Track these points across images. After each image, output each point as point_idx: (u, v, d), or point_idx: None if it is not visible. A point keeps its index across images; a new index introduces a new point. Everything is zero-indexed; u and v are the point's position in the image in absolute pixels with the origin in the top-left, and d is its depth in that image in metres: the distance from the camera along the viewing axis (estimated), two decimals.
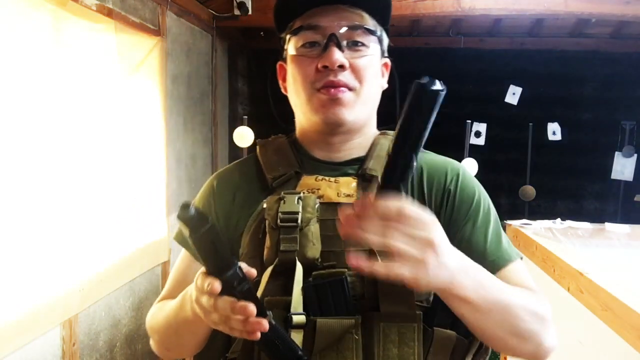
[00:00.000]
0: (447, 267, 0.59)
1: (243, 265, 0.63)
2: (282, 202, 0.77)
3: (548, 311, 0.72)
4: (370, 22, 0.79)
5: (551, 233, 2.23)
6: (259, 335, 0.61)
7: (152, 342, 0.86)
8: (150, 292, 2.66)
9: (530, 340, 0.70)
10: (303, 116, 0.83)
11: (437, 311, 0.73)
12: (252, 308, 0.59)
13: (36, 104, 1.70)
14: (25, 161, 1.66)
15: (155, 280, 2.72)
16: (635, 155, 3.98)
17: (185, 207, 0.56)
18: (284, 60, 0.85)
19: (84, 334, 2.05)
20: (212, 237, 0.58)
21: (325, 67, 0.75)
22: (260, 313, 0.61)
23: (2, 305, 1.54)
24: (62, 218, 1.84)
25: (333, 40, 0.75)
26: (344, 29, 0.77)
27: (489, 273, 0.67)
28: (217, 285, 0.59)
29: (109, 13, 2.13)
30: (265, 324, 0.60)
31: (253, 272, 0.64)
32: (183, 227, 0.57)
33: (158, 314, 0.84)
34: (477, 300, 0.64)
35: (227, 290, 0.60)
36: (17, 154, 1.62)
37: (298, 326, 0.70)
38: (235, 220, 0.83)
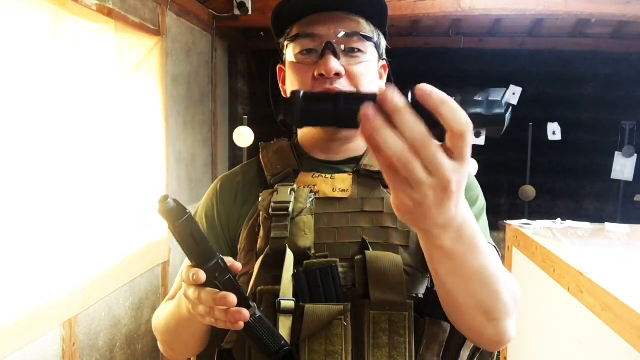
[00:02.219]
0: (446, 215, 0.48)
1: (228, 258, 0.66)
2: (275, 193, 0.79)
3: (519, 297, 0.70)
4: (367, 28, 0.80)
5: (551, 233, 2.23)
6: (241, 325, 0.63)
7: (158, 343, 0.88)
8: (150, 292, 2.66)
9: (496, 323, 0.66)
10: None
11: (429, 302, 0.73)
12: (232, 298, 0.61)
13: (36, 104, 1.70)
14: (26, 161, 1.66)
15: (155, 280, 2.72)
16: (635, 155, 3.98)
17: (163, 200, 0.60)
18: (283, 63, 0.87)
19: (84, 334, 2.05)
20: (189, 229, 0.61)
21: (321, 75, 0.76)
22: (243, 303, 0.63)
23: (2, 305, 1.54)
24: (62, 218, 1.84)
25: (329, 48, 0.77)
26: (340, 36, 0.78)
27: (483, 237, 0.58)
28: (202, 275, 0.62)
29: (109, 13, 2.13)
30: (246, 313, 0.62)
31: (238, 265, 0.66)
32: (162, 219, 0.60)
33: (160, 314, 0.86)
34: (462, 263, 0.56)
35: (210, 281, 0.63)
36: (17, 154, 1.62)
37: (287, 311, 0.71)
38: (236, 218, 0.86)
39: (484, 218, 0.84)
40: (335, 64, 0.76)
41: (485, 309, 0.63)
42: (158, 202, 0.59)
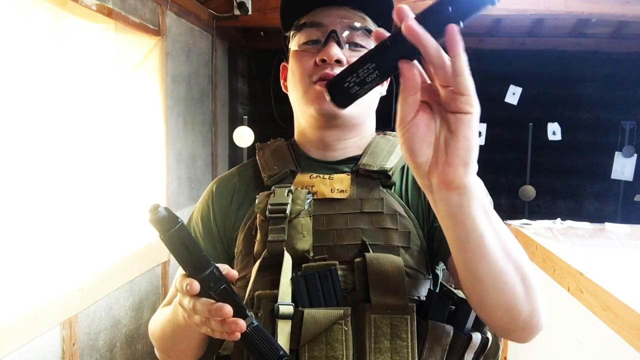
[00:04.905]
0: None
1: (224, 266, 0.64)
2: (272, 195, 0.78)
3: (538, 284, 0.66)
4: (372, 26, 0.81)
5: (551, 233, 2.23)
6: (238, 335, 0.62)
7: (155, 349, 0.86)
8: (150, 292, 2.66)
9: (531, 294, 0.62)
10: (300, 110, 0.84)
11: (432, 304, 0.72)
12: (227, 309, 0.60)
13: (36, 104, 1.70)
14: (26, 161, 1.66)
15: (155, 280, 2.72)
16: (635, 155, 3.98)
17: (154, 209, 0.58)
18: (287, 60, 0.87)
19: (84, 334, 2.05)
20: (182, 238, 0.59)
21: (323, 60, 0.76)
22: (239, 313, 0.61)
23: (2, 304, 1.54)
24: (62, 218, 1.84)
25: (333, 36, 0.77)
26: (345, 31, 0.78)
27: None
28: (196, 286, 0.60)
29: (109, 13, 2.13)
30: (242, 324, 0.61)
31: (233, 273, 0.65)
32: (153, 228, 0.58)
33: (157, 320, 0.84)
34: (489, 236, 0.56)
35: (205, 290, 0.61)
36: (18, 154, 1.62)
37: (285, 317, 0.70)
38: (232, 221, 0.84)
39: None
40: (337, 51, 0.76)
41: (521, 276, 0.61)
42: (149, 212, 0.58)
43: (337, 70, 0.76)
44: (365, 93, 0.53)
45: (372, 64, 0.50)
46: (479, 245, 0.56)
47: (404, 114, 0.51)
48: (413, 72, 0.49)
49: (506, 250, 0.59)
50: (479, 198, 0.54)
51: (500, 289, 0.60)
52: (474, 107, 0.50)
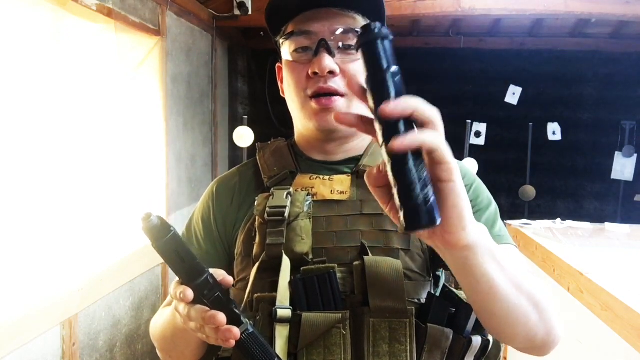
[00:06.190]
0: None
1: (219, 272, 0.64)
2: (271, 197, 0.77)
3: (550, 300, 0.70)
4: (363, 24, 0.78)
5: (551, 233, 2.23)
6: (233, 342, 0.62)
7: (157, 350, 0.86)
8: (150, 292, 2.66)
9: (545, 315, 0.67)
10: (299, 121, 0.84)
11: (431, 308, 0.71)
12: (220, 318, 0.60)
13: (36, 104, 1.70)
14: (26, 161, 1.66)
15: (155, 280, 2.72)
16: (635, 155, 3.98)
17: (147, 217, 0.58)
18: (282, 62, 0.85)
19: (84, 334, 2.05)
20: (175, 246, 0.59)
21: (315, 73, 0.75)
22: (233, 321, 0.61)
23: (2, 304, 1.54)
24: (62, 217, 1.84)
25: (323, 46, 0.75)
26: (335, 34, 0.76)
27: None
28: (189, 294, 0.60)
29: (109, 13, 2.13)
30: (236, 332, 0.61)
31: (229, 279, 0.64)
32: (146, 237, 0.58)
33: (157, 322, 0.84)
34: (499, 277, 0.59)
35: (199, 298, 0.61)
36: (17, 153, 1.62)
37: (283, 320, 0.69)
38: (233, 222, 0.84)
39: (500, 221, 0.83)
40: (329, 62, 0.74)
41: (534, 303, 0.64)
42: (141, 220, 0.58)
43: (331, 82, 0.75)
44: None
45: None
46: (489, 288, 0.58)
47: (381, 201, 0.54)
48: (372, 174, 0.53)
49: (517, 285, 0.61)
50: (485, 247, 0.55)
51: (515, 320, 0.64)
52: (454, 174, 0.49)
